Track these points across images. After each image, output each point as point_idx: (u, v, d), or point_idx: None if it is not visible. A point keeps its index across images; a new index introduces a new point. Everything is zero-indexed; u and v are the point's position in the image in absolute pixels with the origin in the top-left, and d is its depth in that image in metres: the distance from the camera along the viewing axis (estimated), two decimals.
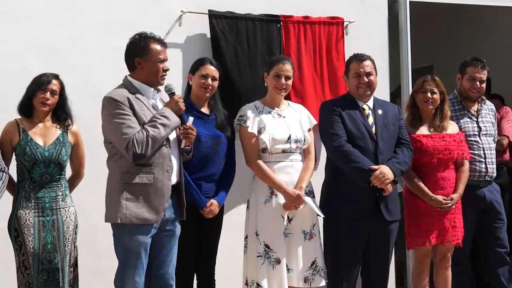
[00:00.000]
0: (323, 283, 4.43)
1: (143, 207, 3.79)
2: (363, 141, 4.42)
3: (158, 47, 3.90)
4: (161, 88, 4.04)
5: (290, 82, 4.45)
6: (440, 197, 4.63)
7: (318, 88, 5.53)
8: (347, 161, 4.36)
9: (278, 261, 4.30)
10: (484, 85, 5.08)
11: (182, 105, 3.90)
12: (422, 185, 4.65)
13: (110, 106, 3.80)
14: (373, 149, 4.43)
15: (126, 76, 3.98)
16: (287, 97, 4.69)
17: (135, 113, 3.80)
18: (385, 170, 4.33)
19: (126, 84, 3.92)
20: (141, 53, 3.90)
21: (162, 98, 4.04)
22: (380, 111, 4.54)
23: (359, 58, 4.53)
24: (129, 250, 3.82)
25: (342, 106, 4.48)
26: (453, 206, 4.68)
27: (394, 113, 4.61)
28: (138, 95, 3.87)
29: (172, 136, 3.94)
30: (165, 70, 3.93)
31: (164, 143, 3.84)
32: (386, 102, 4.77)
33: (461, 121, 5.02)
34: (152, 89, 3.95)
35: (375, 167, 4.33)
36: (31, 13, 4.92)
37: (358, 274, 4.58)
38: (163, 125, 3.77)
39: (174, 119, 3.84)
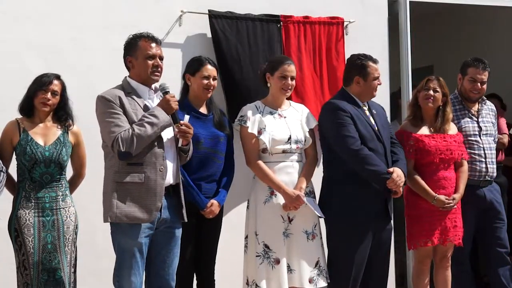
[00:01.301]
0: (325, 283, 4.43)
1: (135, 207, 3.79)
2: (374, 143, 4.42)
3: (146, 43, 3.90)
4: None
5: (294, 82, 4.47)
6: (442, 197, 4.63)
7: (317, 88, 5.52)
8: (365, 165, 4.32)
9: (278, 261, 4.30)
10: (485, 86, 5.08)
11: (174, 104, 3.87)
12: (425, 184, 4.65)
13: (102, 105, 3.84)
14: (382, 151, 4.43)
15: (125, 76, 4.00)
16: (288, 98, 4.67)
17: (125, 112, 3.81)
18: (399, 173, 4.35)
19: (124, 84, 3.95)
20: (131, 51, 3.94)
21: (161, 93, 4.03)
22: (374, 111, 4.57)
23: (373, 59, 4.53)
24: (123, 250, 3.84)
25: (349, 107, 4.45)
26: (455, 206, 4.68)
27: (383, 113, 4.68)
28: (133, 95, 3.89)
29: (168, 135, 3.92)
30: (155, 66, 3.91)
31: (155, 143, 3.83)
32: (374, 103, 4.75)
33: (462, 121, 5.02)
34: (148, 88, 3.95)
35: (391, 170, 4.35)
36: (31, 13, 4.92)
37: None
38: (151, 123, 3.76)
39: (164, 118, 3.82)
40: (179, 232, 4.02)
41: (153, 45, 3.92)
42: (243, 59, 5.31)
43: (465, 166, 4.82)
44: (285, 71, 4.40)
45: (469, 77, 5.04)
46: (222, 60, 5.18)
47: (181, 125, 3.91)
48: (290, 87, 4.44)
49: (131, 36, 3.97)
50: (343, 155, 4.41)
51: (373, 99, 4.65)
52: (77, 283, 4.27)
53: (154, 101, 3.97)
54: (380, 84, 4.54)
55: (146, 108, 3.89)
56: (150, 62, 3.89)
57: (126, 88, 3.92)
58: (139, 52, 3.90)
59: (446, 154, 4.70)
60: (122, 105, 3.82)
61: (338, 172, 4.46)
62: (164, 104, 3.86)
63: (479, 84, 5.03)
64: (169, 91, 3.93)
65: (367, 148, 4.35)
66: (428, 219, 4.66)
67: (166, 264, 3.97)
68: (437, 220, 4.67)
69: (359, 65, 4.51)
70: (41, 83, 4.18)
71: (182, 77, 4.53)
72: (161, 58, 3.95)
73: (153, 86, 3.99)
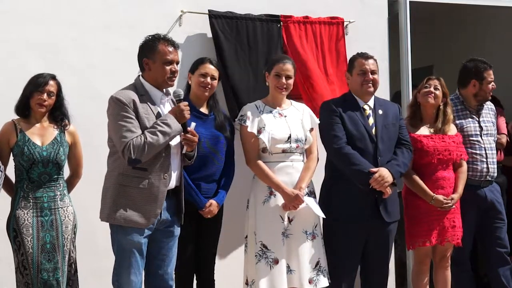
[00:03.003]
0: (326, 283, 4.43)
1: (134, 211, 3.78)
2: (363, 143, 4.42)
3: (166, 48, 3.87)
4: (171, 90, 4.01)
5: (291, 81, 4.45)
6: (440, 197, 4.63)
7: (327, 85, 5.50)
8: (347, 164, 4.35)
9: (276, 261, 4.29)
10: None
11: (187, 114, 3.85)
12: (423, 184, 4.65)
13: (116, 106, 3.79)
14: (372, 151, 4.42)
15: (138, 76, 3.98)
16: (298, 98, 4.68)
17: (138, 116, 3.78)
18: (384, 173, 4.33)
19: (136, 84, 3.91)
20: (149, 54, 3.89)
21: (174, 99, 4.01)
22: (380, 111, 4.54)
23: (364, 55, 4.55)
24: (123, 250, 3.84)
25: (342, 107, 4.48)
26: (453, 206, 4.68)
27: (395, 113, 4.61)
28: (146, 98, 3.85)
29: (175, 141, 3.91)
30: (173, 72, 3.89)
31: (163, 150, 3.82)
32: (387, 102, 4.78)
33: (463, 121, 5.03)
34: (161, 93, 3.93)
35: (375, 169, 4.33)
36: (31, 13, 4.91)
37: (357, 275, 4.58)
38: (163, 132, 3.75)
39: (176, 127, 3.80)
40: (177, 231, 4.03)
41: (171, 49, 3.89)
42: (243, 59, 5.31)
43: (464, 166, 4.83)
44: (279, 69, 4.40)
45: (487, 80, 5.11)
46: (223, 60, 5.17)
47: (188, 132, 3.89)
48: (285, 86, 4.42)
49: (150, 37, 3.93)
50: (328, 154, 4.47)
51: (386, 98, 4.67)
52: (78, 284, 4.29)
53: (165, 106, 3.95)
54: (370, 79, 4.50)
55: (158, 115, 3.85)
56: (168, 68, 3.87)
57: (139, 89, 3.87)
58: (158, 56, 3.86)
59: (445, 154, 4.70)
60: (135, 109, 3.78)
61: (333, 171, 4.49)
62: (177, 113, 3.83)
63: (493, 82, 5.10)
64: (182, 99, 3.91)
65: (351, 147, 4.36)
66: (427, 219, 4.67)
67: (165, 263, 3.98)
68: (435, 220, 4.67)
69: (349, 62, 4.63)
70: (36, 84, 4.17)
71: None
72: (177, 63, 3.93)
73: (164, 89, 3.97)
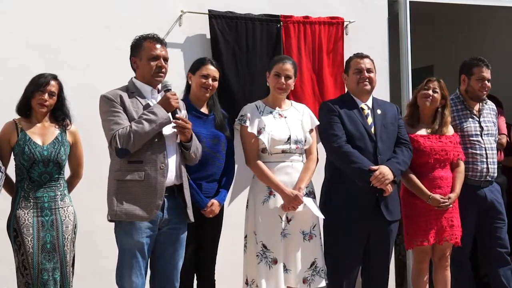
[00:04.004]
0: (323, 283, 4.42)
1: (134, 205, 3.79)
2: (362, 142, 4.42)
3: (151, 44, 3.91)
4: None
5: (290, 81, 4.44)
6: (437, 196, 4.63)
7: (316, 89, 5.53)
8: (347, 162, 4.36)
9: (275, 261, 4.29)
10: (490, 84, 5.12)
11: (174, 102, 3.86)
12: (420, 183, 4.65)
13: (104, 103, 3.86)
14: (372, 150, 4.43)
15: (132, 77, 4.01)
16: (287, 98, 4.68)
17: (126, 110, 3.83)
18: (384, 171, 4.33)
19: (129, 85, 3.96)
20: (136, 52, 3.96)
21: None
22: (379, 111, 4.55)
23: (359, 55, 4.59)
24: (124, 249, 3.85)
25: (341, 106, 4.49)
26: (451, 205, 4.68)
27: (393, 113, 4.62)
28: (137, 94, 3.90)
29: (169, 131, 3.91)
30: (158, 67, 3.91)
31: (155, 140, 3.83)
32: (385, 102, 4.78)
33: (464, 121, 5.03)
34: (151, 88, 3.96)
35: (375, 167, 4.34)
36: (31, 13, 4.92)
37: (358, 274, 4.59)
38: (148, 120, 3.77)
39: (162, 115, 3.81)
40: (184, 233, 4.02)
41: (158, 46, 3.93)
42: (240, 61, 5.32)
43: (462, 166, 4.83)
44: (279, 69, 4.39)
45: (476, 77, 5.06)
46: (218, 60, 5.17)
47: (178, 120, 3.89)
48: (284, 87, 4.41)
49: (137, 37, 3.98)
50: (327, 153, 4.47)
51: (386, 99, 4.67)
52: (77, 283, 4.28)
53: (157, 100, 3.97)
54: (365, 77, 4.50)
55: (147, 107, 3.89)
56: (153, 63, 3.90)
57: (130, 88, 3.93)
58: (143, 53, 3.91)
59: (441, 154, 4.71)
60: (122, 103, 3.83)
61: (333, 170, 4.49)
62: (164, 102, 3.86)
63: (486, 82, 5.07)
64: (170, 89, 3.93)
65: (351, 146, 4.37)
66: (424, 218, 4.66)
67: (170, 265, 3.98)
68: (433, 219, 4.67)
69: (345, 64, 4.66)
70: (38, 84, 4.17)
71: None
72: (166, 59, 3.96)
73: (158, 86, 3.99)
